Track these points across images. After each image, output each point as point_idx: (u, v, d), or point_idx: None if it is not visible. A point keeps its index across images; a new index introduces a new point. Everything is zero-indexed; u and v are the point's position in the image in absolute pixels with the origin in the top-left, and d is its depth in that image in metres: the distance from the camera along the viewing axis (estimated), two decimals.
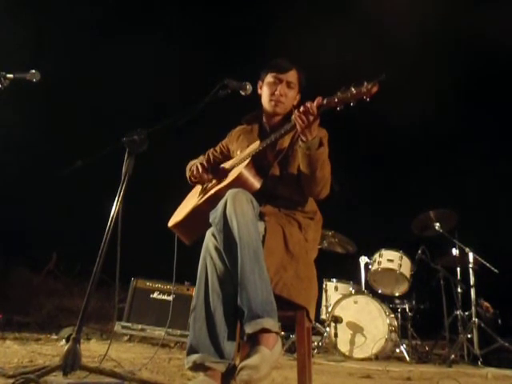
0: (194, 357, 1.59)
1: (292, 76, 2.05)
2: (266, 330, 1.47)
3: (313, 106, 1.71)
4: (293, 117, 1.76)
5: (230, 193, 1.67)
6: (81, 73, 6.88)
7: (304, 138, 1.77)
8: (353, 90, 1.63)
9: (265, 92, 2.09)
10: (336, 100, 1.67)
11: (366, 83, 1.61)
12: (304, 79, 2.11)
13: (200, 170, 2.15)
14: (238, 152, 2.14)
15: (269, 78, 2.07)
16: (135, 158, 1.89)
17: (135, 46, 6.89)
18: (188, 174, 2.29)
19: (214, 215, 1.68)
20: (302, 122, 1.72)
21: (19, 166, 6.34)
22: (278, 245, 1.77)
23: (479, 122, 7.23)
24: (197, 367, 1.59)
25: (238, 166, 1.98)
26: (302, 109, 1.72)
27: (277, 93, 2.03)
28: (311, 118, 1.71)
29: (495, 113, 7.26)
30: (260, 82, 2.14)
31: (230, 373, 1.56)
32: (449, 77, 7.11)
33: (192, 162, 2.30)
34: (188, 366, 1.61)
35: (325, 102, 1.70)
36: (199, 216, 1.90)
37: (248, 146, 2.07)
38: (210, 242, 1.69)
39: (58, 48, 6.78)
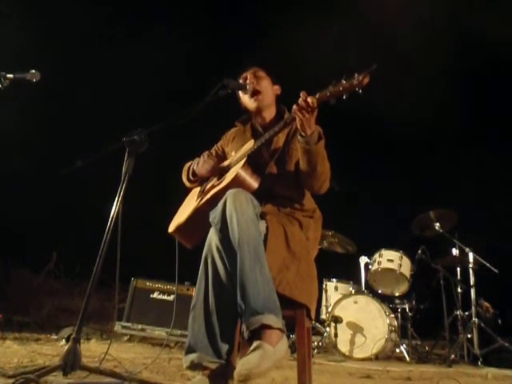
0: (192, 356, 1.60)
1: (254, 69, 2.14)
2: (266, 327, 1.46)
3: (311, 98, 1.70)
4: (292, 111, 1.75)
5: (229, 192, 1.67)
6: (81, 73, 6.88)
7: (303, 133, 1.76)
8: (344, 82, 1.62)
9: (241, 95, 2.14)
10: (328, 94, 1.66)
11: (356, 75, 1.60)
12: (272, 72, 2.17)
13: (210, 166, 2.14)
14: (233, 153, 2.14)
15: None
16: (135, 158, 1.88)
17: (136, 46, 6.90)
18: (184, 176, 2.28)
19: (214, 215, 1.68)
20: (302, 115, 1.71)
21: (19, 165, 6.34)
22: (280, 244, 1.77)
23: (479, 121, 7.23)
24: (194, 367, 1.59)
25: (234, 166, 1.98)
26: (299, 101, 1.71)
27: (247, 82, 2.09)
28: (309, 109, 1.70)
29: (496, 112, 7.26)
30: (238, 96, 2.18)
31: (228, 373, 1.56)
32: (450, 76, 7.12)
33: (188, 164, 2.29)
34: (186, 366, 1.61)
35: (317, 96, 1.69)
36: (200, 218, 1.90)
37: (242, 146, 2.07)
38: (213, 241, 1.69)
39: (58, 48, 6.78)
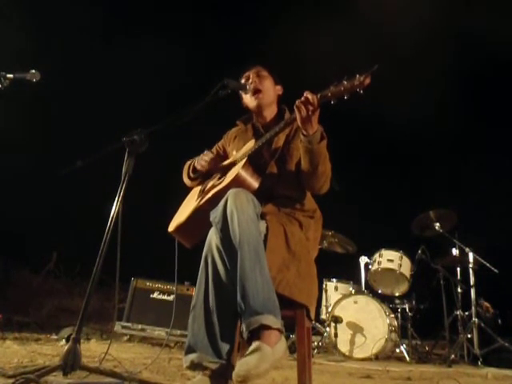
0: (192, 356, 1.60)
1: (257, 69, 2.16)
2: (265, 327, 1.46)
3: (314, 96, 1.69)
4: (294, 106, 1.75)
5: (230, 192, 1.67)
6: (81, 73, 6.88)
7: (305, 132, 1.75)
8: (345, 83, 1.63)
9: (243, 95, 2.15)
10: (329, 94, 1.66)
11: (358, 76, 1.61)
12: (274, 73, 2.18)
13: (209, 157, 2.14)
14: (234, 152, 2.15)
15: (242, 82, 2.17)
16: (135, 158, 1.88)
17: (136, 46, 6.90)
18: (185, 174, 2.28)
19: (215, 214, 1.68)
20: (301, 111, 1.70)
21: (19, 165, 6.34)
22: (280, 244, 1.77)
23: (479, 121, 7.24)
24: (194, 367, 1.59)
25: (235, 166, 1.98)
26: (302, 98, 1.71)
27: (250, 81, 2.11)
28: (311, 108, 1.69)
29: (496, 112, 7.27)
30: (241, 96, 2.19)
31: (228, 373, 1.56)
32: (449, 77, 7.12)
33: (188, 163, 2.30)
34: (186, 366, 1.62)
35: (318, 96, 1.69)
36: (200, 217, 1.90)
37: (244, 146, 2.08)
38: (213, 240, 1.69)
39: (58, 48, 6.78)
